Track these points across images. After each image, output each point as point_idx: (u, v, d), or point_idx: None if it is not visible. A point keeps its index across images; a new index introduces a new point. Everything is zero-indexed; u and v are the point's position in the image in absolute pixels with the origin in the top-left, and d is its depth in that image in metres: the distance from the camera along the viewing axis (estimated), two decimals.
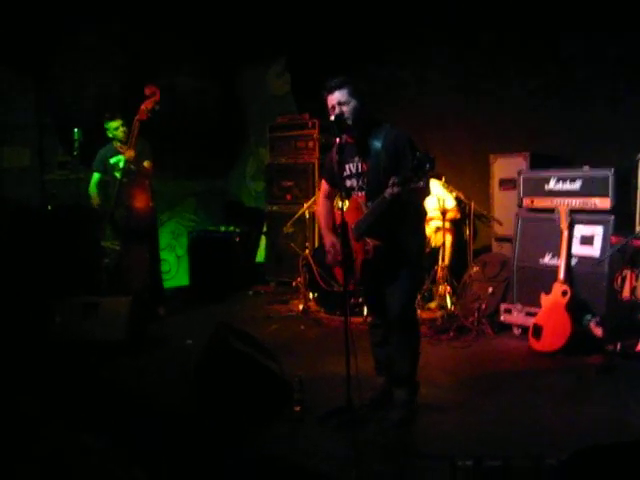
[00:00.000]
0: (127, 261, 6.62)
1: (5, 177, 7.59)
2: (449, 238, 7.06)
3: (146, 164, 6.67)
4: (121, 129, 6.71)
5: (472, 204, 6.73)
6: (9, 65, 7.64)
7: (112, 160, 6.84)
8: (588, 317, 5.49)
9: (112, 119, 6.72)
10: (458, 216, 7.07)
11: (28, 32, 7.62)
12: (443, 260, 6.84)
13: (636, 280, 5.19)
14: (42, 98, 7.99)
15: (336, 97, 3.92)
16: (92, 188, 6.92)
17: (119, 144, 6.77)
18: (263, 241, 9.43)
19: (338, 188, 4.20)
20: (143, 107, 6.52)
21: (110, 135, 6.79)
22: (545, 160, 6.51)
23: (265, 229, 9.27)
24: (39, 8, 7.57)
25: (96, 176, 6.93)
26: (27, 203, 7.61)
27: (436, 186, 6.98)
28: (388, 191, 3.66)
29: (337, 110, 3.90)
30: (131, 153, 6.46)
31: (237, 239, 8.72)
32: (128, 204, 6.59)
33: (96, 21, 8.19)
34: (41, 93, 7.98)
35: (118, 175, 6.66)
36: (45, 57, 7.87)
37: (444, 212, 6.68)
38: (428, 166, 3.51)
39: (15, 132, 7.77)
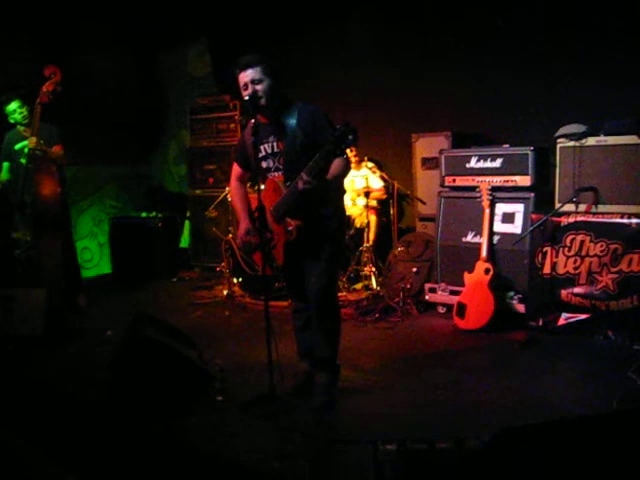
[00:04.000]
0: (38, 251, 6.33)
1: None
2: (374, 218, 7.05)
3: (55, 148, 6.39)
4: (19, 111, 6.38)
5: (396, 184, 6.71)
6: None
7: (17, 146, 6.47)
8: (511, 294, 5.57)
9: (8, 102, 6.38)
10: (384, 197, 7.05)
11: None
12: (368, 241, 6.82)
13: (556, 256, 5.25)
14: None
15: (249, 75, 3.76)
16: (4, 176, 6.61)
17: (23, 129, 6.47)
18: (187, 226, 9.25)
19: (252, 170, 4.13)
20: (44, 89, 6.20)
21: (11, 120, 6.46)
22: (467, 139, 6.54)
23: (188, 214, 9.09)
24: None
25: (5, 165, 6.60)
26: None
27: (362, 167, 6.99)
28: (300, 183, 3.54)
29: (250, 89, 3.76)
30: (33, 140, 6.18)
31: (160, 225, 8.56)
32: (34, 191, 6.25)
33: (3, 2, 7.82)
34: None
35: (24, 161, 6.34)
36: None
37: (368, 192, 6.64)
38: (351, 137, 3.34)
39: None
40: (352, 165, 6.89)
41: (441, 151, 6.30)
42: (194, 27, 9.30)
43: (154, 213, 8.82)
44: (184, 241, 9.35)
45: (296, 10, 8.13)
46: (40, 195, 6.25)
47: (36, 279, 6.19)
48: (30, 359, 5.25)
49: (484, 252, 5.59)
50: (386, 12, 7.43)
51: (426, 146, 6.81)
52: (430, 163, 6.74)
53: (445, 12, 6.97)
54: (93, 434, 3.90)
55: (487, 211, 5.70)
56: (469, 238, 5.98)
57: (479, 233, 5.79)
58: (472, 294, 5.52)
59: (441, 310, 6.08)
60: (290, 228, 3.79)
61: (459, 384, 4.36)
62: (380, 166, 7.27)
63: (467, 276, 5.62)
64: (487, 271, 5.51)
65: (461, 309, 5.54)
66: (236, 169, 4.26)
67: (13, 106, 6.36)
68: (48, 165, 6.31)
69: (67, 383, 4.68)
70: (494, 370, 4.66)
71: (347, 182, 4.16)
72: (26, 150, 6.26)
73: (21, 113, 6.36)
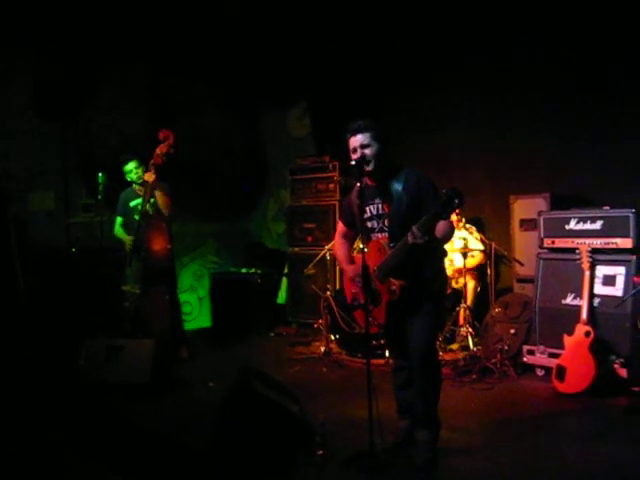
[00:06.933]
0: (147, 304, 6.66)
1: (31, 220, 7.70)
2: (471, 279, 7.06)
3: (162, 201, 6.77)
4: (135, 171, 6.84)
5: (493, 245, 6.72)
6: (36, 111, 7.81)
7: (132, 203, 6.95)
8: (612, 358, 5.44)
9: (126, 162, 6.86)
10: (484, 262, 7.05)
11: (55, 80, 7.81)
12: (465, 301, 6.83)
13: None
14: (67, 143, 8.14)
15: (359, 140, 3.93)
16: (117, 231, 7.04)
17: (138, 187, 6.89)
18: (284, 283, 9.46)
19: (355, 231, 4.30)
20: (158, 151, 6.65)
21: (128, 178, 6.91)
22: (565, 201, 6.50)
23: (286, 270, 9.30)
24: (65, 56, 7.79)
25: (119, 220, 7.06)
26: (53, 245, 7.70)
27: (461, 228, 7.04)
28: (410, 237, 3.61)
29: (359, 153, 3.91)
30: (151, 176, 6.60)
31: (259, 281, 8.77)
32: (146, 246, 6.64)
33: (121, 67, 8.38)
34: (66, 138, 8.14)
35: (137, 218, 6.74)
36: (71, 104, 8.04)
37: (465, 253, 6.69)
38: (457, 201, 3.41)
39: (40, 177, 7.92)
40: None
41: (540, 213, 6.30)
42: (294, 91, 9.65)
43: (253, 269, 9.06)
44: (281, 297, 9.55)
45: (392, 73, 8.39)
46: (151, 250, 6.61)
47: (143, 330, 6.50)
48: (136, 406, 5.46)
49: (584, 315, 5.53)
50: (483, 74, 7.59)
51: (524, 207, 6.82)
52: (528, 224, 6.74)
53: (541, 73, 7.07)
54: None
55: (587, 273, 5.64)
56: (569, 300, 5.92)
57: (579, 295, 5.72)
58: (572, 357, 5.44)
59: (539, 373, 6.00)
60: (394, 288, 3.89)
61: (558, 448, 4.29)
62: (479, 228, 7.30)
63: (567, 339, 5.55)
64: (587, 334, 5.43)
65: (561, 372, 5.47)
66: (340, 227, 4.46)
67: (130, 166, 6.82)
68: (159, 222, 6.69)
69: (171, 429, 4.86)
70: (595, 436, 4.54)
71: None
72: (139, 207, 6.67)
73: (137, 173, 6.80)
